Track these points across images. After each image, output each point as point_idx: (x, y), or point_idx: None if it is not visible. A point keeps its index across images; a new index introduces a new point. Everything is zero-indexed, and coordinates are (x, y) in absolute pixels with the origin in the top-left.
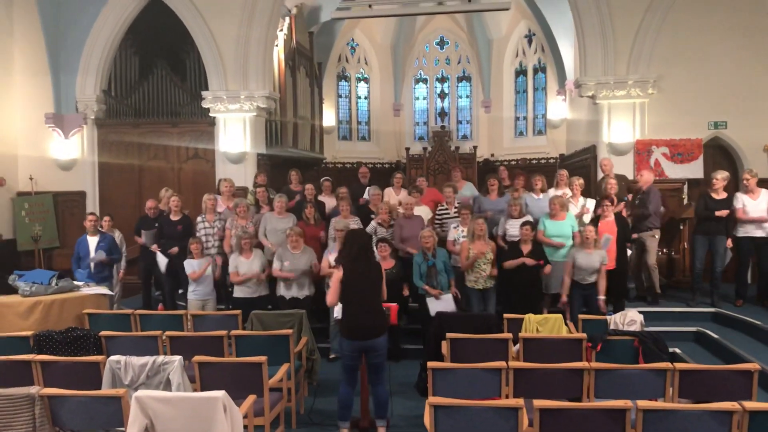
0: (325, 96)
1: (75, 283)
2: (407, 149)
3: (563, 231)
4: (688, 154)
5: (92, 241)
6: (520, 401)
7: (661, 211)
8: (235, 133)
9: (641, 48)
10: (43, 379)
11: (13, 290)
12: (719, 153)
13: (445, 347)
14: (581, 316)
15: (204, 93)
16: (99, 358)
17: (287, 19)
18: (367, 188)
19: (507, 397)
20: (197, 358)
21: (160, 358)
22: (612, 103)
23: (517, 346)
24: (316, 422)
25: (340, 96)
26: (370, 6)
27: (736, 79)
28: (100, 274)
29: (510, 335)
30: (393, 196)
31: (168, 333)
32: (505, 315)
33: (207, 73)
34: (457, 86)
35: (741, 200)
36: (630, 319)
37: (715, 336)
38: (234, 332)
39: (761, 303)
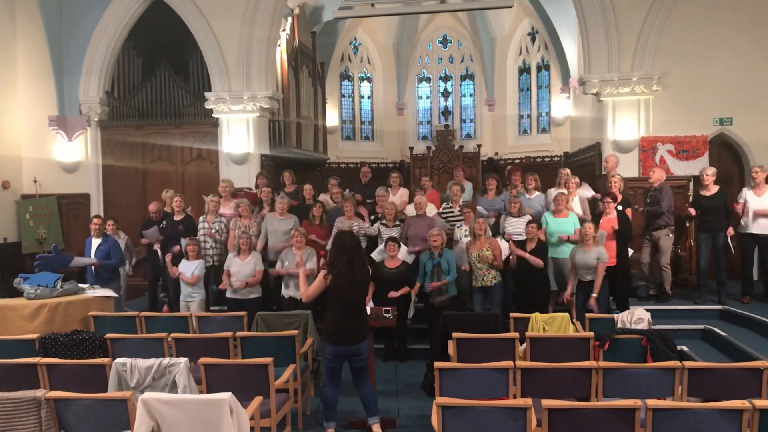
0: (328, 96)
1: (80, 285)
2: (411, 149)
3: (566, 228)
4: (693, 151)
5: (95, 243)
6: (528, 401)
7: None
8: (239, 134)
9: (645, 44)
10: (49, 382)
11: (19, 293)
12: (725, 150)
13: (451, 347)
14: (588, 315)
15: (207, 94)
16: (105, 360)
17: (289, 19)
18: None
19: (515, 397)
20: (203, 360)
21: (166, 360)
22: (616, 100)
23: (524, 345)
24: (322, 423)
25: (344, 96)
26: (372, 5)
27: (742, 75)
28: (100, 278)
29: (517, 334)
30: (390, 195)
31: (173, 335)
32: (512, 314)
33: (210, 74)
34: (461, 85)
35: (744, 196)
36: (637, 317)
37: (723, 334)
38: (239, 334)
39: None
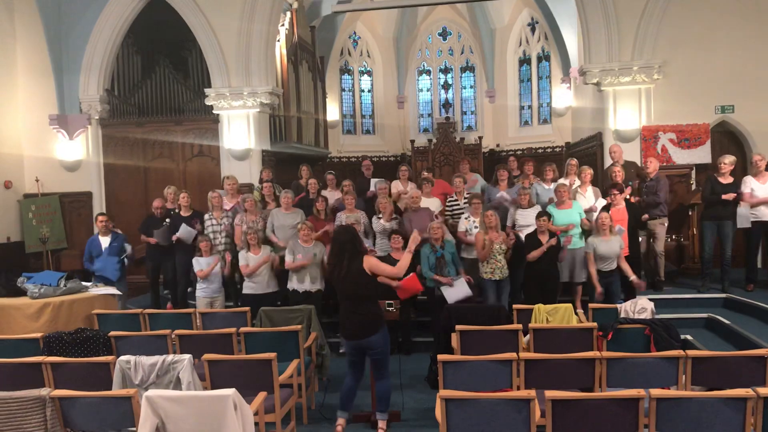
0: (328, 90)
1: (83, 283)
2: (412, 141)
3: (571, 219)
4: (695, 139)
5: (104, 240)
6: (532, 392)
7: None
8: (240, 130)
9: (646, 33)
10: (54, 380)
11: (22, 292)
12: (727, 138)
13: (455, 339)
14: (591, 305)
15: (207, 90)
16: (109, 358)
17: (288, 14)
18: (372, 180)
19: (518, 388)
20: (207, 356)
21: (170, 357)
22: (617, 89)
23: (528, 336)
24: (327, 417)
25: (344, 90)
26: None
27: (743, 63)
28: (116, 272)
29: (520, 326)
30: (400, 188)
31: (177, 332)
32: (515, 306)
33: (209, 70)
34: (461, 77)
35: (749, 184)
36: (641, 306)
37: (727, 322)
38: (243, 329)
39: None
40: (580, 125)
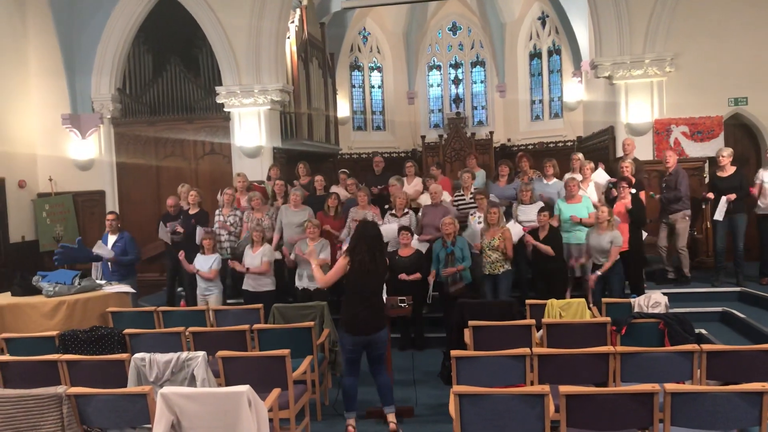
0: (338, 87)
1: (98, 281)
2: (423, 137)
3: (579, 213)
4: (708, 132)
5: (110, 240)
6: (546, 388)
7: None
8: (251, 128)
9: (657, 25)
10: (70, 378)
11: (37, 291)
12: (740, 130)
13: (467, 335)
14: (605, 300)
15: (218, 88)
16: (124, 356)
17: (298, 11)
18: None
19: (532, 383)
20: (221, 353)
21: (184, 355)
22: (629, 83)
23: (541, 332)
24: (341, 413)
25: (354, 86)
26: None
27: (756, 54)
28: (116, 274)
29: (533, 321)
30: (405, 184)
31: (191, 329)
32: (528, 301)
33: (220, 68)
34: (471, 72)
35: (761, 177)
36: (654, 301)
37: (742, 315)
38: (256, 326)
39: None
40: (592, 119)
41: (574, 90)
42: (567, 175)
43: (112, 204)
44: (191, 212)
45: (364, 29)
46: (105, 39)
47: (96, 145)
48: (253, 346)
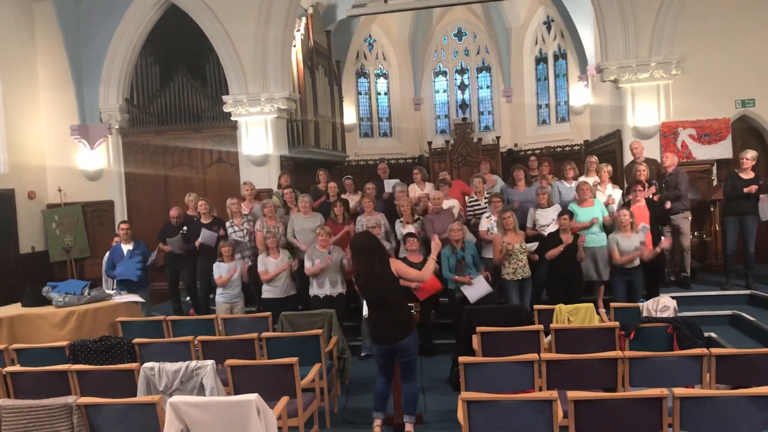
0: (345, 94)
1: (107, 291)
2: (429, 143)
3: (593, 216)
4: (715, 134)
5: (126, 248)
6: (554, 393)
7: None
8: (258, 136)
9: (663, 28)
10: (80, 388)
11: (48, 301)
12: (748, 132)
13: (476, 341)
14: (613, 304)
15: (225, 97)
16: (133, 365)
17: (303, 19)
18: (388, 182)
19: (540, 389)
20: (229, 361)
21: (193, 363)
22: (635, 86)
23: (549, 337)
24: (350, 421)
25: (360, 93)
26: (385, 1)
27: (762, 55)
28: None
29: (541, 327)
30: (417, 191)
31: (200, 338)
32: (536, 306)
33: (227, 77)
34: (477, 77)
35: None
36: (663, 305)
37: (752, 318)
38: (264, 334)
39: None
40: (599, 123)
41: (580, 94)
42: (580, 179)
43: (120, 214)
44: (203, 221)
45: (370, 36)
46: (112, 50)
47: (104, 155)
48: (262, 355)
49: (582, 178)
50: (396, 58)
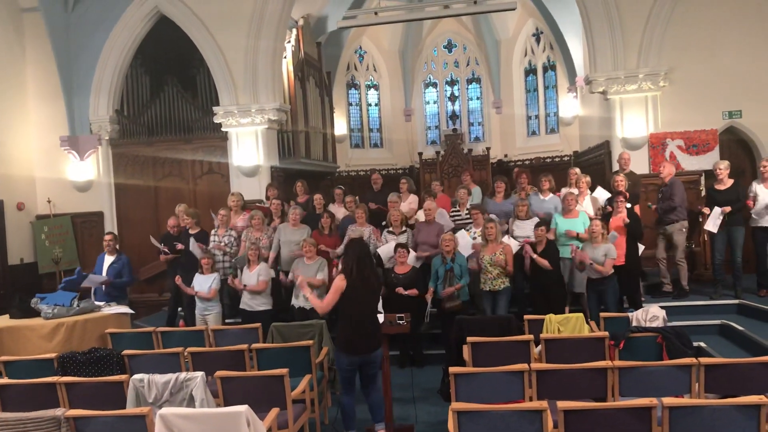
0: (335, 105)
1: (96, 303)
2: (420, 154)
3: (575, 228)
4: (703, 145)
5: (107, 260)
6: (544, 403)
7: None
8: (248, 147)
9: (651, 40)
10: (69, 400)
11: (36, 313)
12: (735, 143)
13: (466, 352)
14: (603, 315)
15: (215, 108)
16: (122, 377)
17: (294, 30)
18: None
19: (530, 399)
20: (219, 373)
21: (183, 375)
22: (624, 97)
23: (539, 347)
24: None
25: (351, 104)
26: (375, 13)
27: (749, 67)
28: (109, 296)
29: (531, 337)
30: (400, 201)
31: (189, 349)
32: (526, 316)
33: (217, 88)
34: (467, 88)
35: (754, 190)
36: (652, 315)
37: (740, 328)
38: (255, 345)
39: None
40: (588, 134)
41: (569, 105)
42: (564, 190)
43: (110, 225)
44: (191, 232)
45: (360, 48)
46: (102, 61)
47: (94, 166)
48: (252, 366)
49: (564, 190)
50: (386, 69)
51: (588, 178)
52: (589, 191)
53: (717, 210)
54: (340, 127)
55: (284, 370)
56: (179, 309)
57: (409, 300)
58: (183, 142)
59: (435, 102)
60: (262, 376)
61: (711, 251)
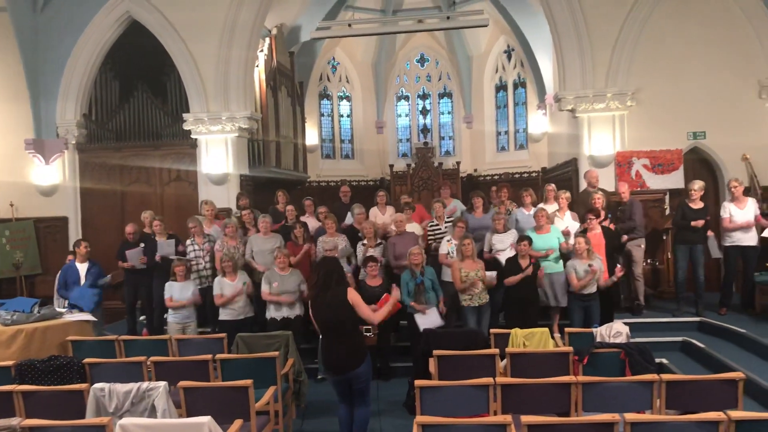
0: (307, 115)
1: (58, 310)
2: (391, 166)
3: (549, 244)
4: (668, 164)
5: (82, 268)
6: (508, 418)
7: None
8: (218, 155)
9: (619, 61)
10: (25, 409)
11: None
12: (699, 163)
13: (432, 365)
14: (567, 330)
15: (185, 115)
16: (82, 386)
17: (267, 39)
18: (350, 211)
19: (495, 413)
20: (182, 383)
21: (145, 385)
22: (592, 116)
23: (505, 361)
24: None
25: (323, 115)
26: (349, 25)
27: (713, 90)
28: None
29: (497, 351)
30: (379, 215)
31: (153, 358)
32: (492, 330)
33: (188, 95)
34: (439, 102)
35: (728, 209)
36: (616, 330)
37: (701, 345)
38: (219, 356)
39: (745, 311)
40: (556, 150)
41: (538, 122)
42: (539, 206)
43: (75, 230)
44: (159, 239)
45: (334, 59)
46: (71, 64)
47: (60, 170)
48: (216, 376)
49: (541, 206)
50: (359, 81)
51: (568, 194)
52: (569, 209)
53: (711, 237)
54: (312, 137)
55: (248, 381)
56: (142, 318)
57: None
58: (151, 149)
59: (407, 115)
60: (226, 386)
61: (674, 269)
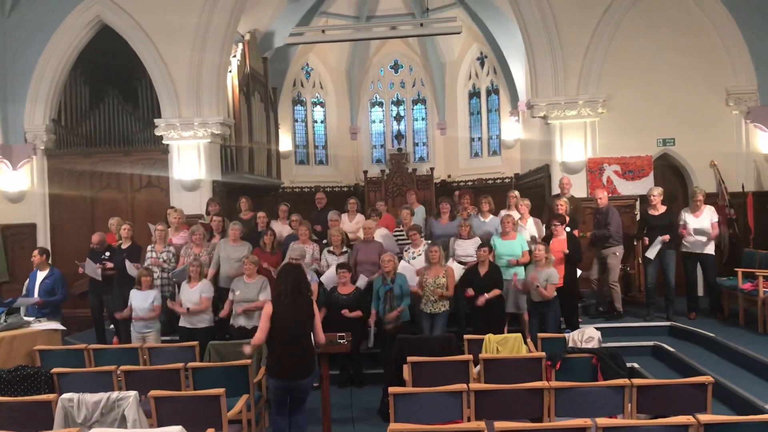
0: (281, 121)
1: (25, 318)
2: (365, 172)
3: (513, 250)
4: (639, 171)
5: (39, 276)
6: (481, 424)
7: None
8: (190, 161)
9: (590, 69)
10: None
11: None
12: (669, 169)
13: (406, 371)
14: (540, 335)
15: (157, 120)
16: (50, 396)
17: (240, 45)
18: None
19: (469, 419)
20: (153, 392)
21: (115, 394)
22: (563, 122)
23: (478, 367)
24: None
25: (296, 120)
26: (323, 31)
27: (682, 98)
28: (43, 310)
29: (470, 357)
30: (347, 222)
31: (123, 367)
32: (466, 336)
33: (159, 101)
34: (413, 109)
35: (683, 218)
36: (588, 336)
37: (671, 349)
38: (191, 364)
39: (714, 315)
40: (529, 157)
41: (511, 128)
42: (503, 212)
43: (43, 237)
44: (124, 246)
45: (307, 65)
46: (40, 68)
47: (28, 176)
48: (188, 385)
49: (503, 212)
50: (333, 87)
51: (528, 201)
52: (530, 215)
53: (659, 239)
54: (285, 143)
55: (220, 390)
56: (111, 327)
57: (351, 320)
58: (122, 154)
59: (381, 121)
60: (197, 395)
61: (645, 274)
